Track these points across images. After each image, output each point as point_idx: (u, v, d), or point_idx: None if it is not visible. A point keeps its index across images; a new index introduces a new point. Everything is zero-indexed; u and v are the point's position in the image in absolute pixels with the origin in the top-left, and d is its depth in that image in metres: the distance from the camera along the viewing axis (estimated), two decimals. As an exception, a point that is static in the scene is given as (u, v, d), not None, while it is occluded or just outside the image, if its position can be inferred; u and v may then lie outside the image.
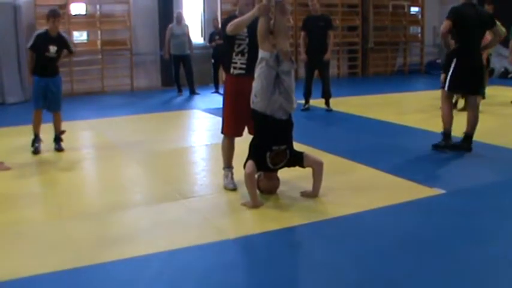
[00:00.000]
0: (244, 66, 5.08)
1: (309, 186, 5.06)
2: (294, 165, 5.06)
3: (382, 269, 3.64)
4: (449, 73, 6.73)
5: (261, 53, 4.81)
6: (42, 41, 6.88)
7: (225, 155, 5.39)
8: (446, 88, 6.83)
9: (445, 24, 6.59)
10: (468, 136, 6.79)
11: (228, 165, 5.39)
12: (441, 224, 4.40)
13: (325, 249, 3.98)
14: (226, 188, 5.30)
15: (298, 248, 4.14)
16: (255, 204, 4.81)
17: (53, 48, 6.91)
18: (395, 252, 3.90)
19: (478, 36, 6.76)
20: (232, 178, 5.35)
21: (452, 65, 6.71)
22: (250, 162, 4.89)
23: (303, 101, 9.90)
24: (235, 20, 4.94)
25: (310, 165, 5.03)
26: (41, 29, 7.26)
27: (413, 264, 3.70)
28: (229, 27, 4.94)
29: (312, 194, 5.05)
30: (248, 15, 4.87)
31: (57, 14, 6.93)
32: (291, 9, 14.94)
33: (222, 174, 5.40)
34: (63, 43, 7.04)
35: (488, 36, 7.10)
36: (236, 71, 5.12)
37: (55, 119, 7.22)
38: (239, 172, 5.20)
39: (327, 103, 10.15)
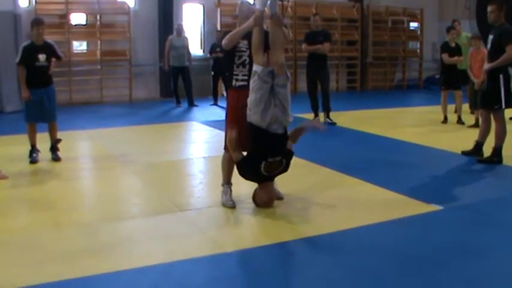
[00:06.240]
0: (246, 77, 5.00)
1: (306, 199, 5.04)
2: (288, 165, 5.05)
3: (378, 285, 3.62)
4: (502, 90, 6.64)
5: (254, 66, 4.80)
6: (30, 51, 6.84)
7: (225, 171, 5.27)
8: (504, 106, 6.70)
9: None
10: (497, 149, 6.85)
11: (228, 182, 5.26)
12: (438, 240, 4.38)
13: (320, 265, 3.96)
14: (224, 205, 5.15)
15: (294, 263, 4.11)
16: (237, 158, 4.91)
17: (42, 57, 6.88)
18: (391, 268, 3.89)
19: None
20: (231, 195, 5.22)
21: (502, 81, 6.64)
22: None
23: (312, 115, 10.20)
24: (230, 34, 4.95)
25: (292, 139, 5.04)
26: (26, 41, 7.21)
27: (410, 279, 3.69)
28: (225, 42, 4.94)
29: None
30: (242, 27, 4.90)
31: (40, 22, 6.95)
32: (290, 22, 15.01)
33: (221, 191, 5.28)
34: (51, 50, 7.01)
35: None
36: (238, 83, 5.07)
37: (51, 128, 7.21)
38: (237, 189, 5.23)
39: (328, 116, 10.20)
